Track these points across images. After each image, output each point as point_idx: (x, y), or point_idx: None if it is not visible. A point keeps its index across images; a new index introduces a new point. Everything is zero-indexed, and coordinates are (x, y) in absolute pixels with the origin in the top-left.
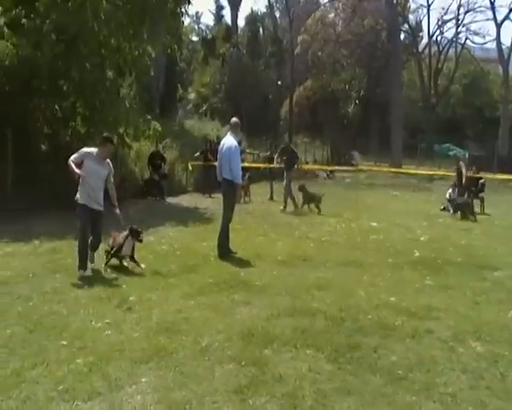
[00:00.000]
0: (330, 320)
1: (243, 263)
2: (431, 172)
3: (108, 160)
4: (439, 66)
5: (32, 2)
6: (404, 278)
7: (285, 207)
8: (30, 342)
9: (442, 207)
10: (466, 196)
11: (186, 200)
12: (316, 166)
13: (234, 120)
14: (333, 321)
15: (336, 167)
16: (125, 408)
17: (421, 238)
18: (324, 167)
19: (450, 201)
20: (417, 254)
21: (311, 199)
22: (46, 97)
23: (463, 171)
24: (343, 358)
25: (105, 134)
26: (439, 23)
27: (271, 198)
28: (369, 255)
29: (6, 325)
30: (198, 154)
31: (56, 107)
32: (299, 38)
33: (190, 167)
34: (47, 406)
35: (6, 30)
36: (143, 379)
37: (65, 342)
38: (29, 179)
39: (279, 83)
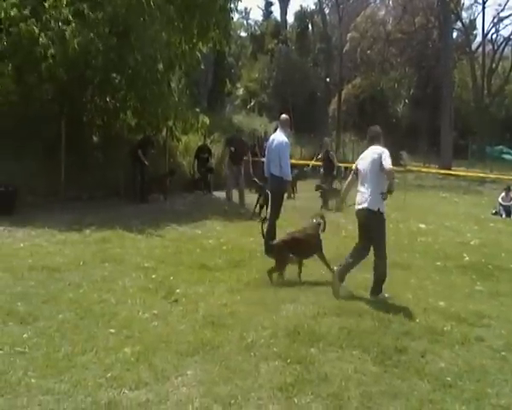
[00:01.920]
0: (377, 322)
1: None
2: (482, 175)
3: None
4: (494, 65)
5: None
6: (454, 283)
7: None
8: (80, 328)
9: (494, 212)
10: None
11: (233, 195)
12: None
13: (284, 116)
14: (380, 323)
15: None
16: (171, 399)
17: (472, 242)
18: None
19: (502, 205)
20: (467, 258)
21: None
22: (99, 89)
23: None
24: (390, 361)
25: None
26: (495, 21)
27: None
28: (416, 258)
29: (58, 311)
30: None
31: (108, 99)
32: (349, 36)
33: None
34: (96, 391)
35: (71, 18)
36: (189, 372)
37: (113, 331)
38: (81, 169)
39: (327, 80)
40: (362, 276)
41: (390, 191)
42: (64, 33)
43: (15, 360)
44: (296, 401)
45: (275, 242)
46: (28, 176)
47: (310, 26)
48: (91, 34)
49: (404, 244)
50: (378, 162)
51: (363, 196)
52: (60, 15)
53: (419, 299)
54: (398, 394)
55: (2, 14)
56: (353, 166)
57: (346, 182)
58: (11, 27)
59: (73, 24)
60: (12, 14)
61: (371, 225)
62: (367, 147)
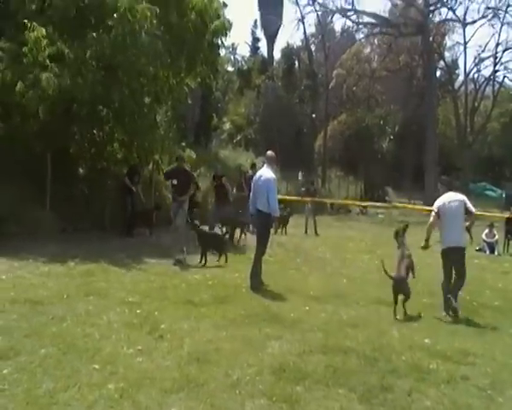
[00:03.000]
0: (363, 360)
1: (275, 296)
2: None
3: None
4: (476, 104)
5: (75, 34)
6: (439, 320)
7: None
8: (63, 364)
9: (478, 248)
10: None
11: (219, 230)
12: (349, 202)
13: (270, 153)
14: (366, 361)
15: (369, 203)
16: None
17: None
18: (357, 203)
19: (486, 241)
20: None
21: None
22: (85, 122)
23: None
24: (376, 399)
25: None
26: (476, 61)
27: (306, 232)
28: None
29: (41, 345)
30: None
31: (95, 132)
32: (334, 72)
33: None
34: None
35: (49, 62)
36: (173, 409)
37: (97, 366)
38: (66, 200)
39: (313, 116)
40: (347, 313)
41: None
42: (40, 79)
43: None
44: None
45: (401, 276)
46: (13, 206)
47: (296, 62)
48: (70, 77)
49: (389, 281)
50: (464, 206)
51: (457, 236)
52: (37, 60)
53: (404, 336)
54: None
55: None
56: (434, 209)
57: (429, 223)
58: None
59: (51, 68)
60: None
61: (463, 260)
62: (442, 193)
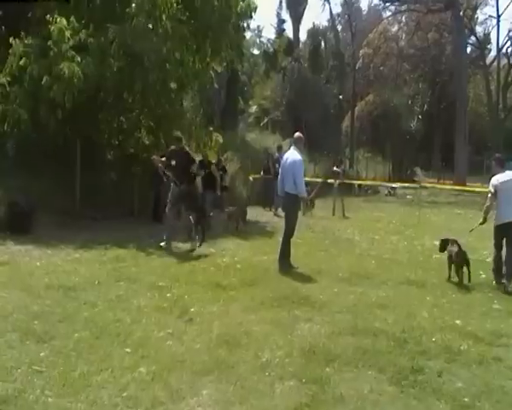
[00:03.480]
0: (393, 341)
1: (304, 278)
2: None
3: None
4: (509, 79)
5: (97, 24)
6: (470, 301)
7: None
8: (96, 348)
9: None
10: None
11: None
12: (377, 183)
13: (297, 134)
14: (395, 342)
15: (398, 184)
16: None
17: (488, 259)
18: (385, 183)
19: None
20: (484, 275)
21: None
22: (112, 110)
23: None
24: (406, 381)
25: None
26: (510, 34)
27: (334, 213)
28: (432, 275)
29: (74, 330)
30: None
31: (122, 119)
32: (361, 52)
33: (251, 179)
34: None
35: (73, 53)
36: (204, 391)
37: (128, 350)
38: (96, 188)
39: (340, 97)
40: (376, 294)
41: None
42: (64, 71)
43: (33, 378)
44: None
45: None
46: (44, 195)
47: (322, 43)
48: (94, 65)
49: (419, 261)
50: None
51: None
52: (61, 51)
53: (435, 317)
54: None
55: (14, 66)
56: (491, 189)
57: (487, 205)
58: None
59: (75, 58)
60: (21, 63)
61: None
62: (496, 172)
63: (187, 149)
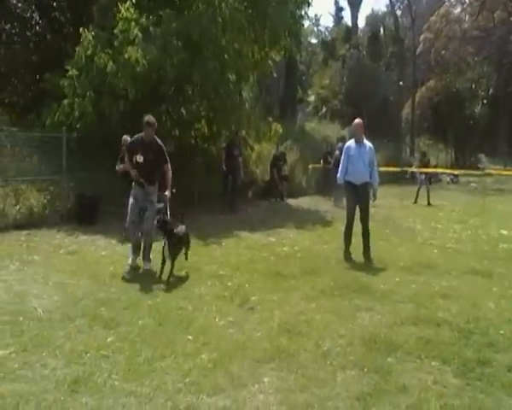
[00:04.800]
0: (457, 332)
1: (364, 267)
2: None
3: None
4: None
5: (157, 11)
6: None
7: None
8: (159, 334)
9: None
10: None
11: (306, 202)
12: (439, 170)
13: (358, 121)
14: (460, 333)
15: (461, 171)
16: (248, 406)
17: None
18: (448, 171)
19: None
20: None
21: None
22: (172, 101)
23: None
24: (472, 373)
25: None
26: None
27: (416, 201)
28: (498, 265)
29: (138, 317)
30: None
31: (182, 110)
32: (422, 37)
33: (311, 168)
34: (175, 396)
35: (139, 35)
36: (265, 379)
37: (190, 337)
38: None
39: (400, 84)
40: (438, 283)
41: None
42: (129, 58)
43: (101, 362)
44: None
45: None
46: (108, 187)
47: (381, 29)
48: (158, 51)
49: (485, 251)
50: None
51: None
52: (127, 39)
53: (502, 309)
54: (483, 409)
55: (83, 57)
56: None
57: None
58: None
59: (139, 46)
60: (89, 53)
61: None
62: None
63: (159, 141)
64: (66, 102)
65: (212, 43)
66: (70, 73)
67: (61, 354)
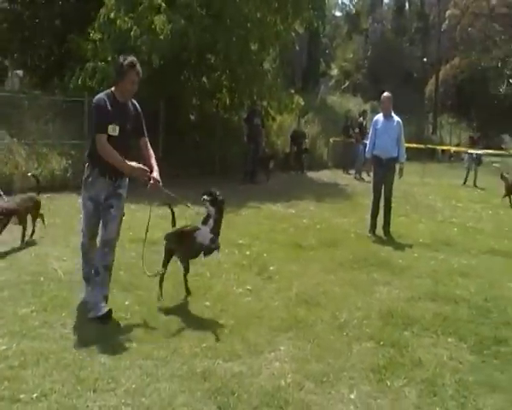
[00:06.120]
0: (474, 310)
1: (383, 242)
2: None
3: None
4: None
5: None
6: None
7: None
8: (176, 300)
9: None
10: None
11: (326, 175)
12: (461, 149)
13: (387, 94)
14: (477, 311)
15: (484, 151)
16: (264, 373)
17: None
18: (470, 150)
19: None
20: None
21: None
22: (194, 70)
23: None
24: (488, 351)
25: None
26: None
27: (465, 183)
28: None
29: (157, 282)
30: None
31: (204, 79)
32: (448, 13)
33: (332, 142)
34: (192, 359)
35: (163, 5)
36: (282, 347)
37: (208, 303)
38: (178, 147)
39: (424, 60)
40: (457, 261)
41: None
42: (152, 24)
43: (119, 325)
44: (389, 383)
45: None
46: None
47: (406, 4)
48: (183, 20)
49: (505, 231)
50: None
51: None
52: (152, 4)
53: None
54: (498, 386)
55: (106, 20)
56: None
57: None
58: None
59: (163, 13)
60: (112, 16)
61: None
62: None
63: (137, 105)
64: (88, 65)
65: (235, 11)
66: (92, 36)
67: (80, 315)
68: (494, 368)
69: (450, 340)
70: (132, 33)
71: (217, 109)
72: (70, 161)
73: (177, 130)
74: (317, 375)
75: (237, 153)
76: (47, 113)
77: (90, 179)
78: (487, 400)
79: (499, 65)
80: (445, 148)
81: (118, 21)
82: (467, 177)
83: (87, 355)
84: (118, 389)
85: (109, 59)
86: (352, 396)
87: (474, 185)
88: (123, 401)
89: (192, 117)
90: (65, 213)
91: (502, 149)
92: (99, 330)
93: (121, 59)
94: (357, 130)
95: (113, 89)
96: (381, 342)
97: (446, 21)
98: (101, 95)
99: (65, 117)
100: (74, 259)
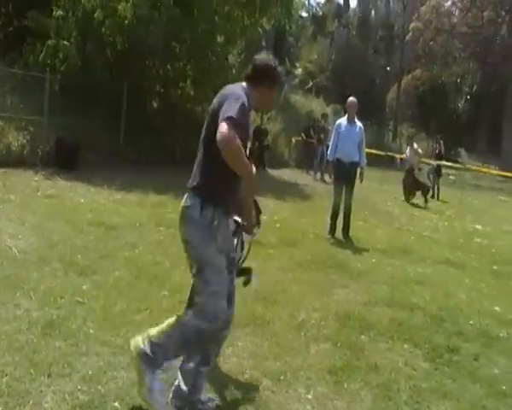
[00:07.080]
0: (429, 318)
1: (342, 244)
2: None
3: None
4: None
5: None
6: (511, 289)
7: None
8: (135, 287)
9: None
10: None
11: (287, 174)
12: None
13: (352, 99)
14: (432, 319)
15: (442, 162)
16: (222, 368)
17: None
18: (428, 161)
19: None
20: None
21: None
22: (160, 57)
23: None
24: (441, 359)
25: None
26: None
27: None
28: (471, 258)
29: (115, 267)
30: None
31: (168, 67)
32: (411, 25)
33: (294, 141)
34: None
35: None
36: (240, 343)
37: (166, 293)
38: (140, 132)
39: (387, 68)
40: (413, 269)
41: None
42: (117, 8)
43: (75, 309)
44: (345, 385)
45: None
46: (89, 135)
47: (373, 12)
48: (148, 7)
49: (459, 243)
50: None
51: None
52: None
53: (473, 300)
54: (449, 394)
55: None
56: None
57: None
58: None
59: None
60: None
61: None
62: None
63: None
64: (50, 42)
65: (203, 3)
66: (55, 13)
67: (35, 297)
68: (446, 376)
69: (405, 346)
70: (96, 16)
71: (180, 99)
72: (28, 137)
73: (139, 116)
74: (275, 373)
75: (198, 144)
76: (4, 85)
77: (215, 223)
78: (439, 406)
79: (458, 81)
80: (403, 157)
81: (82, 1)
82: (434, 190)
83: (41, 338)
84: (73, 374)
85: (73, 36)
86: (310, 396)
87: (437, 199)
88: (78, 387)
89: (155, 104)
90: (20, 191)
91: (458, 162)
92: (54, 314)
93: (273, 62)
94: (322, 135)
95: (245, 86)
96: (338, 344)
97: (410, 33)
98: (241, 91)
99: (24, 91)
100: (30, 238)
